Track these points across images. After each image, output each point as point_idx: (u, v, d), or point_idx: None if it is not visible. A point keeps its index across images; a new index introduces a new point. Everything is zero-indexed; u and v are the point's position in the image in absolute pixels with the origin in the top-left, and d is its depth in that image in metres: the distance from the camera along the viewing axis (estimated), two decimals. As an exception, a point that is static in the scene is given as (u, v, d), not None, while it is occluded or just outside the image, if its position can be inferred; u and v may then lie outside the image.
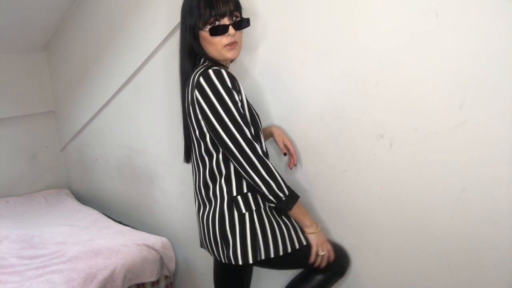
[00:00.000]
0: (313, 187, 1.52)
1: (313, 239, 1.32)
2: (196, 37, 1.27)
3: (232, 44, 1.24)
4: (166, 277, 2.01)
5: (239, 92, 1.23)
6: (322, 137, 1.44)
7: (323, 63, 1.37)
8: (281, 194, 1.23)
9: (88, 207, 2.50)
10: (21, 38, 2.45)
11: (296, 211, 1.28)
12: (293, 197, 1.26)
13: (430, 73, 1.16)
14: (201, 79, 1.20)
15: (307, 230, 1.33)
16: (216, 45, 1.24)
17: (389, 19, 1.20)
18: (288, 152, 1.49)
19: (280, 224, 1.30)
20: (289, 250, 1.29)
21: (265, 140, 1.53)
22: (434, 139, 1.19)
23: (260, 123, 1.35)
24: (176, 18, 1.76)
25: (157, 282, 1.96)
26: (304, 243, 1.32)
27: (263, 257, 1.27)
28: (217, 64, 1.29)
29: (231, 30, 1.21)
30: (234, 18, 1.24)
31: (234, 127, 1.19)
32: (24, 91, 2.65)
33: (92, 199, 2.72)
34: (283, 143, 1.49)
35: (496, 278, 1.17)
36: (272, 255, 1.27)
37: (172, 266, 2.00)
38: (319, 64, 1.38)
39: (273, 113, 1.56)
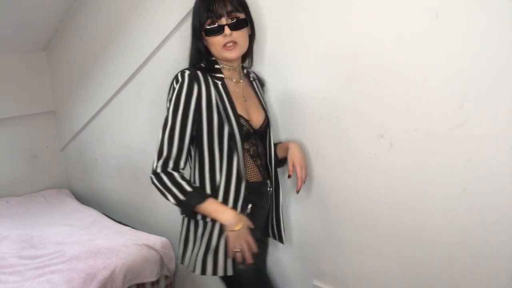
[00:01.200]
0: (313, 187, 1.52)
1: (230, 236, 1.24)
2: (199, 38, 1.29)
3: (232, 45, 1.25)
4: (166, 277, 2.01)
5: (196, 98, 1.23)
6: (322, 137, 1.44)
7: (324, 63, 1.37)
8: (173, 201, 1.25)
9: (88, 207, 2.50)
10: (21, 38, 2.45)
11: (203, 211, 1.25)
12: (190, 201, 1.23)
13: (430, 73, 1.16)
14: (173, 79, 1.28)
15: (226, 228, 1.24)
16: (215, 45, 1.26)
17: (389, 19, 1.20)
18: (296, 176, 1.41)
19: (210, 243, 1.27)
20: (208, 273, 1.27)
21: (281, 156, 1.48)
22: (434, 139, 1.19)
23: (233, 125, 1.26)
24: (176, 17, 1.76)
25: (157, 282, 1.96)
26: (221, 273, 1.27)
27: (184, 264, 1.34)
28: (214, 65, 1.31)
29: (226, 30, 1.22)
30: (232, 19, 1.24)
31: (163, 133, 1.24)
32: (24, 91, 2.65)
33: (92, 199, 2.72)
34: (292, 163, 1.40)
35: (497, 278, 1.17)
36: (194, 271, 1.30)
37: (172, 266, 2.00)
38: (319, 64, 1.38)
39: (273, 112, 1.55)
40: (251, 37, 1.35)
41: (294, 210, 1.61)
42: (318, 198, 1.52)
